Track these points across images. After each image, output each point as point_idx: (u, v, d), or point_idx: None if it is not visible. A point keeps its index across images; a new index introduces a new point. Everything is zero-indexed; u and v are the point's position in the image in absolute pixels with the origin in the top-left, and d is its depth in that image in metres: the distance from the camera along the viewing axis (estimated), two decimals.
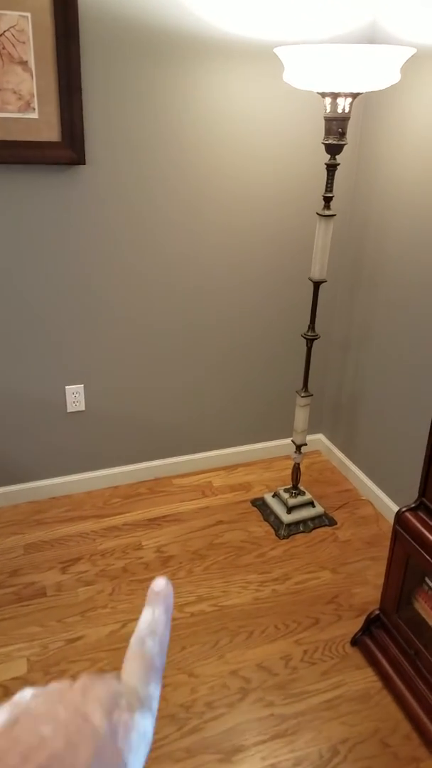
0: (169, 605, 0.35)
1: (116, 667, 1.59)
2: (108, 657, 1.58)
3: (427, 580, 1.43)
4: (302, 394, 1.98)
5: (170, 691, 1.50)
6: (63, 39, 1.61)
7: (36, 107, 1.68)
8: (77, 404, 2.11)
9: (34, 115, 1.68)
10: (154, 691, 0.32)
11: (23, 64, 1.63)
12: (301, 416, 2.01)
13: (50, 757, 0.26)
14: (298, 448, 2.05)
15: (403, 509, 1.42)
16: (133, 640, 0.33)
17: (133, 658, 0.33)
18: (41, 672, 1.54)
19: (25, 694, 0.30)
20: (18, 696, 0.30)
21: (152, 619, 0.34)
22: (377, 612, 1.56)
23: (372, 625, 1.57)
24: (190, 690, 1.50)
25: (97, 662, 1.57)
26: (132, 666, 0.32)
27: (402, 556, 1.44)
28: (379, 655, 1.53)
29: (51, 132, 1.71)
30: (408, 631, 1.46)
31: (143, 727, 0.29)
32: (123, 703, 0.29)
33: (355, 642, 1.61)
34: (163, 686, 1.51)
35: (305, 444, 2.06)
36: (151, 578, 1.83)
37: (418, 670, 1.42)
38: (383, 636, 1.54)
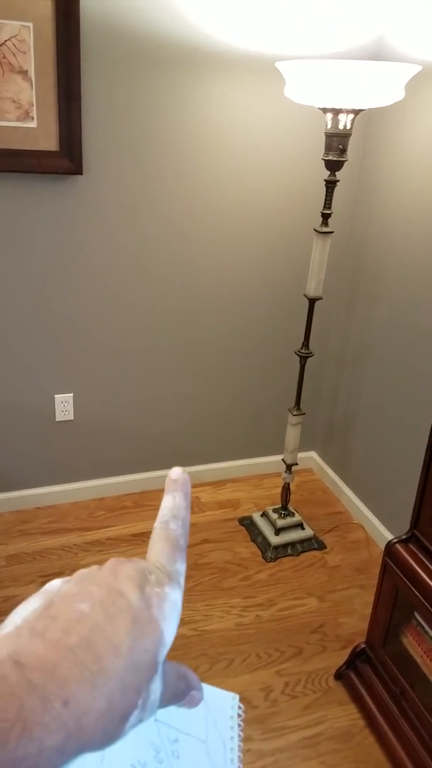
0: (188, 492, 0.36)
1: None
2: None
3: (416, 615, 1.38)
4: (294, 413, 1.93)
5: None
6: (64, 49, 1.58)
7: (35, 116, 1.65)
8: (66, 413, 2.06)
9: (33, 125, 1.65)
10: (181, 567, 0.33)
11: (23, 73, 1.60)
12: (292, 435, 1.96)
13: (91, 629, 0.27)
14: (289, 467, 2.00)
15: (394, 541, 1.37)
16: (157, 524, 0.34)
17: (159, 539, 0.34)
18: None
19: (55, 582, 0.31)
20: (47, 585, 0.31)
21: (173, 504, 0.35)
22: (363, 646, 1.51)
23: (357, 659, 1.52)
24: None
25: None
26: (158, 546, 0.33)
27: (391, 589, 1.39)
28: (363, 692, 1.48)
29: (49, 141, 1.68)
30: (394, 668, 1.41)
31: (174, 598, 0.31)
32: (153, 579, 0.31)
33: (339, 676, 1.56)
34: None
35: (296, 464, 2.01)
36: None
37: (402, 710, 1.37)
38: (368, 671, 1.49)
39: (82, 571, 0.31)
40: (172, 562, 0.32)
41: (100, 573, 0.31)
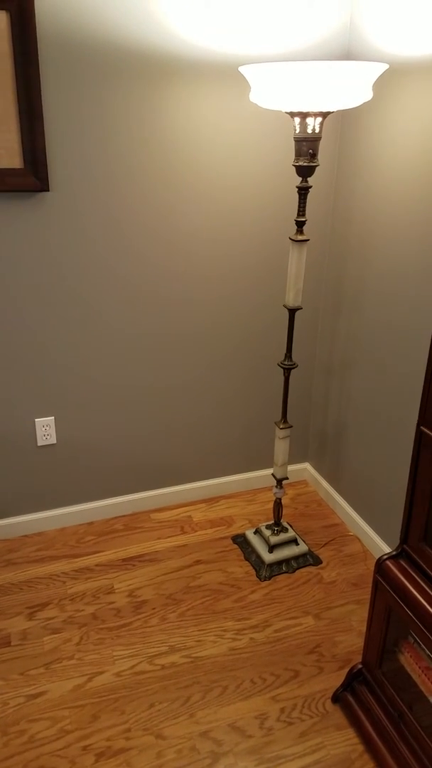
0: None
1: (79, 726, 1.46)
2: (71, 715, 1.47)
3: (412, 632, 1.32)
4: (281, 426, 1.88)
5: (134, 755, 1.37)
6: (22, 64, 1.55)
7: None
8: (48, 437, 2.01)
9: None
10: None
11: None
12: (280, 448, 1.90)
13: None
14: (279, 482, 1.94)
15: (384, 557, 1.31)
16: None
17: None
18: None
19: None
20: None
21: None
22: (360, 666, 1.44)
23: (354, 680, 1.45)
24: (156, 754, 1.38)
25: (58, 721, 1.45)
26: None
27: (384, 607, 1.32)
28: (362, 715, 1.41)
29: (12, 159, 1.64)
30: (391, 689, 1.34)
31: None
32: None
33: (336, 699, 1.49)
34: (128, 750, 1.39)
35: (286, 478, 1.95)
36: (122, 626, 1.73)
37: (401, 734, 1.30)
38: (366, 693, 1.42)
39: None
40: None
41: None
